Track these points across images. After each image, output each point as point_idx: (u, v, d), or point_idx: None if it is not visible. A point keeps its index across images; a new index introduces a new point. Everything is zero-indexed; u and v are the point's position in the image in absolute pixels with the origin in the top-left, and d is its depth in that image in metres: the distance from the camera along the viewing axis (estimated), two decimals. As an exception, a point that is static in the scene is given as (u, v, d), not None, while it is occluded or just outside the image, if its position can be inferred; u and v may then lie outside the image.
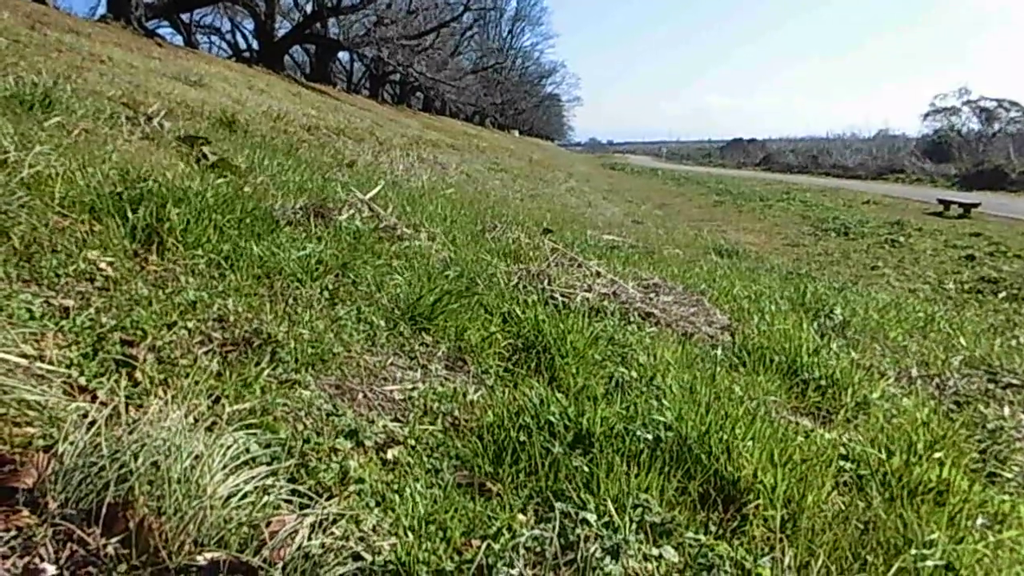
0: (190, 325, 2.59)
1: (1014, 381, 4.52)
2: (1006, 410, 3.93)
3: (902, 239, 15.71)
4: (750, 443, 2.41)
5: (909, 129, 57.94)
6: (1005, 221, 18.89)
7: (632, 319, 4.07)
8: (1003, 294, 10.73)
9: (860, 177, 41.40)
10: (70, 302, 2.49)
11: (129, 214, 3.26)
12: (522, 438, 2.35)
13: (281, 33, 32.68)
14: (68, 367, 2.07)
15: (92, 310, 2.46)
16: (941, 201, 22.04)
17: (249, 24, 35.32)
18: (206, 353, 2.46)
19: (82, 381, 2.01)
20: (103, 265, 2.86)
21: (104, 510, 1.47)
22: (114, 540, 1.46)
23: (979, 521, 2.43)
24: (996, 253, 13.86)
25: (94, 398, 1.94)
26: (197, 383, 2.19)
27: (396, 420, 2.47)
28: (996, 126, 46.62)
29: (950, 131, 48.66)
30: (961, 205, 20.77)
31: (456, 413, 2.61)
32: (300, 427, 2.18)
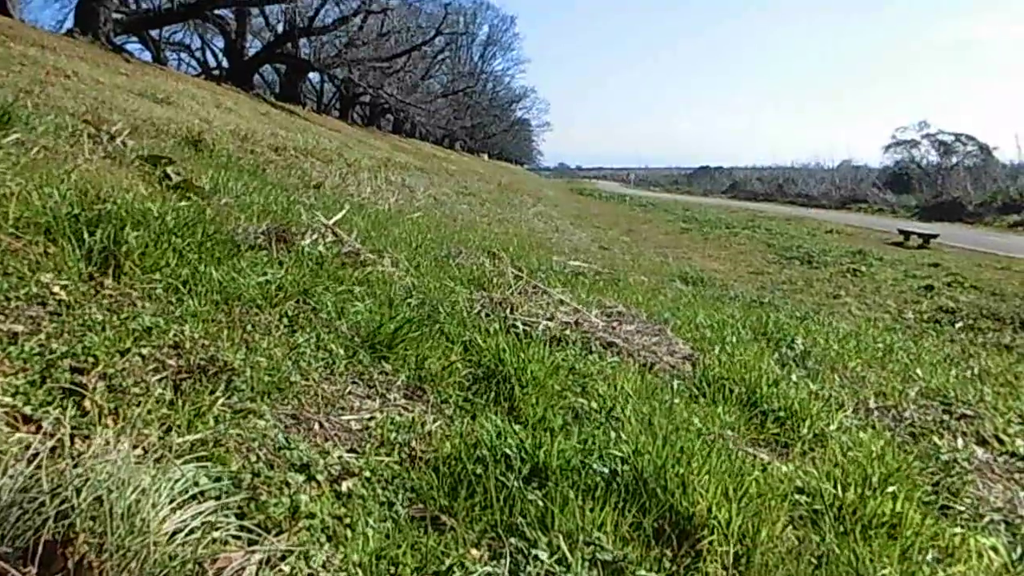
0: (144, 352, 2.54)
1: (968, 412, 4.60)
2: (959, 441, 4.00)
3: (863, 268, 15.97)
4: (706, 477, 2.42)
5: (871, 160, 59.14)
6: (962, 252, 19.31)
7: (594, 348, 4.07)
8: (960, 324, 10.95)
9: (824, 206, 42.14)
10: (19, 327, 2.43)
11: (86, 236, 3.20)
12: (478, 471, 2.33)
13: (252, 52, 32.54)
14: (13, 395, 2.02)
15: (42, 335, 2.41)
16: (901, 231, 22.48)
17: (219, 42, 35.16)
18: (159, 381, 2.42)
19: (27, 411, 1.96)
20: (56, 289, 2.80)
21: (42, 548, 1.43)
22: (52, 579, 1.42)
23: (930, 555, 2.46)
24: (954, 283, 14.14)
25: (39, 428, 1.90)
26: (149, 412, 2.16)
27: (352, 451, 2.45)
28: (954, 159, 47.85)
29: (910, 163, 49.87)
30: (921, 236, 21.19)
31: (413, 444, 2.59)
32: (252, 459, 2.14)
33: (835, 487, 2.74)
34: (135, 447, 1.90)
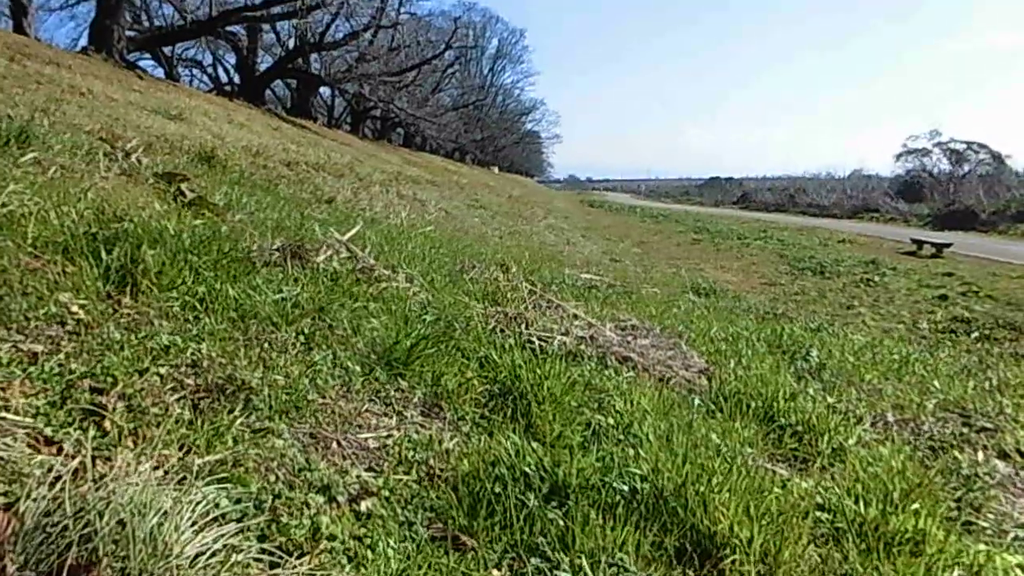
0: (162, 371, 2.55)
1: (987, 425, 4.55)
2: (980, 455, 3.95)
3: (877, 278, 15.87)
4: (727, 495, 2.40)
5: (882, 169, 59.03)
6: (976, 261, 19.16)
7: (609, 363, 4.06)
8: (975, 334, 10.84)
9: (836, 216, 41.97)
10: (39, 347, 2.44)
11: (103, 255, 3.22)
12: (497, 489, 2.32)
13: (263, 67, 32.80)
14: (34, 416, 2.02)
15: (62, 355, 2.42)
16: (914, 241, 22.32)
17: (231, 58, 35.45)
18: (178, 400, 2.42)
19: (48, 432, 1.97)
20: (75, 308, 2.81)
21: (66, 572, 1.43)
22: (76, 603, 1.42)
23: (955, 573, 2.43)
24: (968, 293, 14.03)
25: (60, 450, 1.90)
26: (168, 432, 2.16)
27: (370, 470, 2.44)
28: (966, 167, 47.64)
29: (922, 172, 49.66)
30: (934, 245, 21.05)
31: (431, 462, 2.58)
32: (272, 479, 2.14)
33: (856, 503, 2.72)
34: (155, 468, 1.89)
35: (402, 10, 35.52)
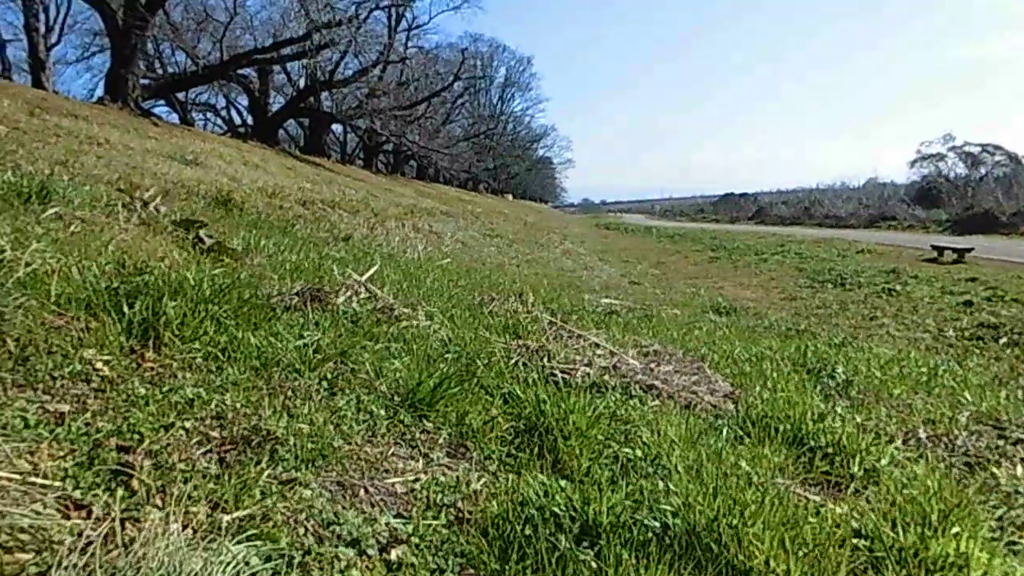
0: (188, 425, 2.56)
1: (1023, 436, 4.46)
2: (1019, 469, 3.87)
3: (899, 287, 15.71)
4: (760, 527, 2.36)
5: (897, 176, 58.80)
6: (1000, 265, 18.93)
7: (634, 392, 4.03)
8: (1004, 340, 10.69)
9: (853, 226, 41.74)
10: (65, 407, 2.46)
11: (125, 309, 3.25)
12: (527, 531, 2.30)
13: (275, 108, 33.31)
14: (63, 479, 2.03)
15: (88, 414, 2.43)
16: (935, 247, 22.09)
17: (243, 100, 36.06)
18: (204, 454, 2.42)
19: (77, 495, 1.97)
20: (99, 364, 2.84)
21: (99, 642, 1.43)
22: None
23: (1002, 597, 2.37)
24: (993, 298, 13.84)
25: (89, 514, 1.90)
26: (196, 488, 2.16)
27: (399, 516, 2.42)
28: (982, 170, 47.34)
29: (938, 177, 49.37)
30: (955, 250, 20.82)
31: (460, 504, 2.56)
32: (301, 531, 2.13)
33: (893, 529, 2.66)
34: (184, 527, 1.89)
35: (410, 44, 36.10)
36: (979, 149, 47.99)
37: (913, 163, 51.61)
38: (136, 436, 2.37)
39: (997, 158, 47.68)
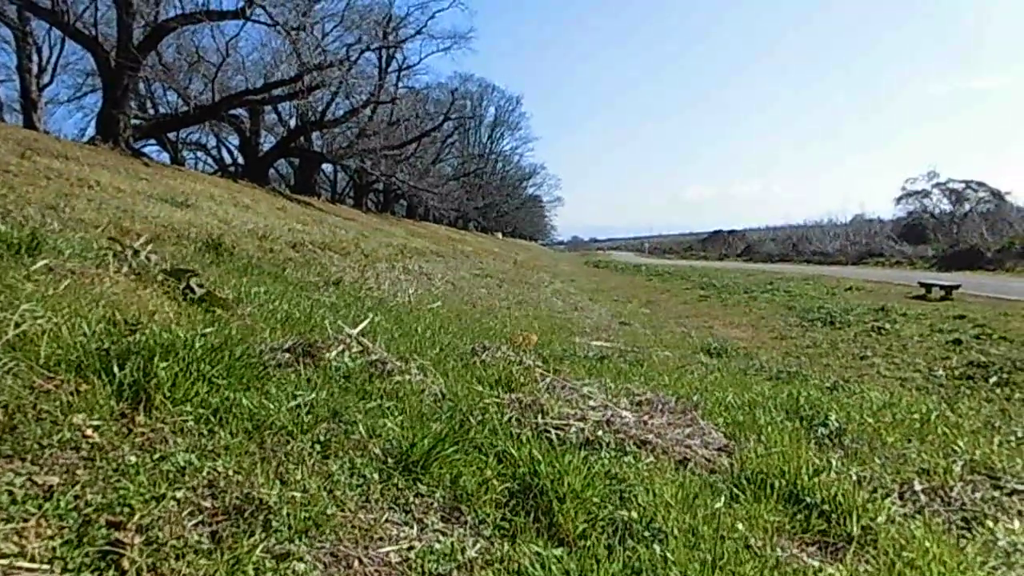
0: (179, 495, 2.52)
1: (1018, 487, 4.45)
2: (1016, 523, 3.85)
3: (888, 326, 15.79)
4: (760, 599, 2.34)
5: (884, 212, 59.46)
6: (987, 301, 19.07)
7: (628, 449, 4.00)
8: (993, 379, 10.74)
9: (841, 262, 42.11)
10: (55, 479, 2.42)
11: (116, 370, 3.21)
12: (525, 607, 2.26)
13: (266, 147, 33.48)
14: (51, 561, 1.99)
15: (78, 487, 2.39)
16: (922, 284, 22.27)
17: (234, 139, 36.23)
18: (196, 526, 2.39)
19: (66, 580, 1.93)
20: (89, 431, 2.79)
21: None
22: None
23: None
24: (982, 336, 13.93)
25: (78, 600, 1.86)
26: (188, 564, 2.12)
27: (393, 589, 2.39)
28: (967, 206, 47.96)
29: (923, 213, 50.01)
30: (942, 287, 20.99)
31: (455, 574, 2.53)
32: (295, 612, 2.09)
33: (894, 595, 2.64)
34: (176, 610, 1.85)
35: (400, 85, 36.46)
36: (963, 185, 48.72)
37: (899, 199, 52.33)
38: (127, 509, 2.33)
39: (981, 194, 48.41)
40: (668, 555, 2.63)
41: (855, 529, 3.38)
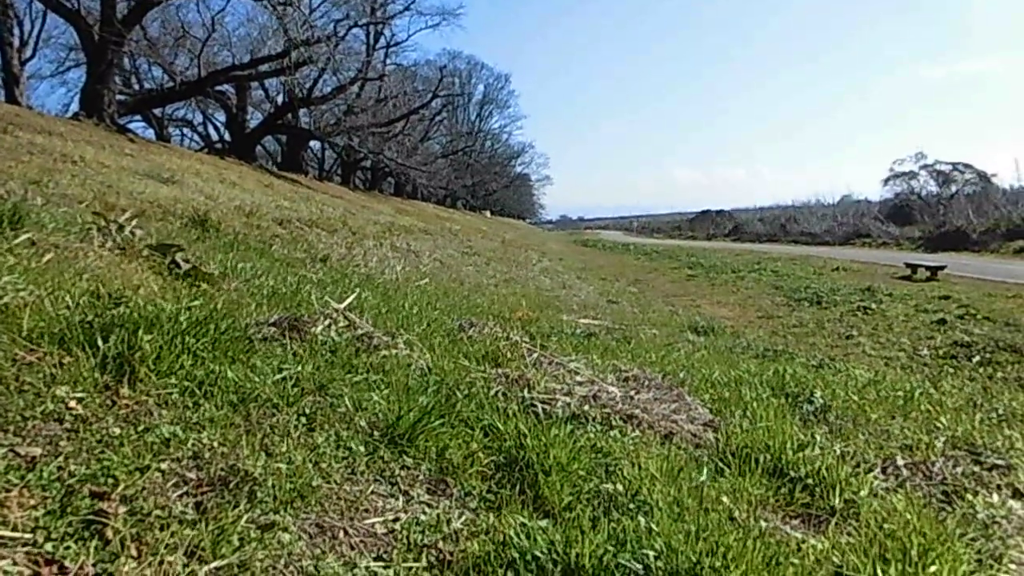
0: (164, 466, 2.50)
1: (998, 462, 4.49)
2: (995, 497, 3.89)
3: (874, 306, 15.90)
4: (743, 568, 2.35)
5: (871, 194, 59.69)
6: (971, 282, 19.24)
7: (614, 423, 4.01)
8: (977, 358, 10.85)
9: (828, 243, 42.26)
10: (37, 450, 2.40)
11: (100, 343, 3.19)
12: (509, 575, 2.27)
13: (253, 124, 33.17)
14: (33, 531, 1.98)
15: (61, 458, 2.37)
16: (908, 265, 22.44)
17: (221, 116, 35.90)
18: (180, 497, 2.38)
19: (48, 548, 1.92)
20: (72, 403, 2.77)
21: None
22: None
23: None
24: (966, 316, 14.06)
25: (61, 568, 1.86)
26: (172, 535, 2.11)
27: (379, 559, 2.39)
28: (953, 188, 48.16)
29: (910, 195, 50.17)
30: (928, 268, 21.16)
31: (440, 545, 2.53)
32: (280, 581, 2.09)
33: (874, 565, 2.66)
34: (160, 580, 1.85)
35: (388, 62, 36.17)
36: (950, 167, 48.89)
37: (886, 181, 52.47)
38: (110, 480, 2.31)
39: (967, 176, 48.60)
40: (652, 526, 2.64)
41: (838, 502, 3.41)
